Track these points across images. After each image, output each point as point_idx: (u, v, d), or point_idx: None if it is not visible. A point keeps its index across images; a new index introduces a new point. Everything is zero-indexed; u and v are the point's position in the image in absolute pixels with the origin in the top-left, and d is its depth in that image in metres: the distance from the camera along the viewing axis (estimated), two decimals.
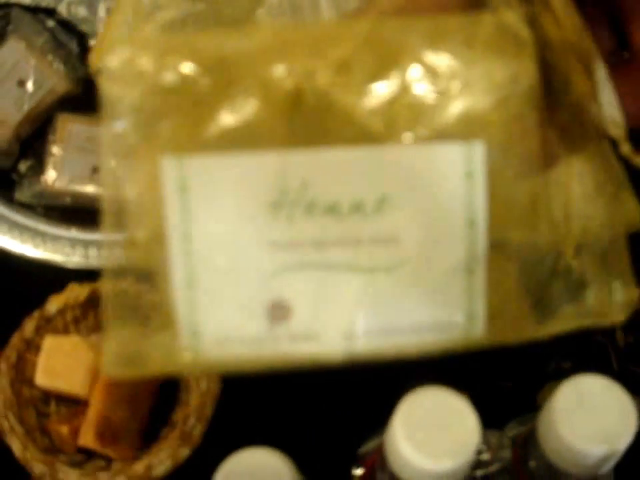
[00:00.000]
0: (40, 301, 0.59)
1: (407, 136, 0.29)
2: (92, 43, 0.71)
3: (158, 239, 0.30)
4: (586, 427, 0.38)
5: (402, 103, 0.29)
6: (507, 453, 0.42)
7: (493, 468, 0.42)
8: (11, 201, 0.66)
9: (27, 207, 0.66)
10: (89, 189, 0.64)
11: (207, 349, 0.31)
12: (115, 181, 0.29)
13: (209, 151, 0.29)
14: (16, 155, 0.68)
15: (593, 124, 0.29)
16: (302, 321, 0.31)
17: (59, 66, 0.68)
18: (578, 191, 0.31)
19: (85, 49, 0.70)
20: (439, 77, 0.29)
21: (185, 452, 0.52)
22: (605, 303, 0.32)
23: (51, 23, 0.70)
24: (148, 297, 0.31)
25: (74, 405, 0.57)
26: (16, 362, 0.55)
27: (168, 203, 0.29)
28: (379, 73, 0.29)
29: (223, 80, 0.29)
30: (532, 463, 0.45)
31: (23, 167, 0.69)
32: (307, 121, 0.29)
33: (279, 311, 0.31)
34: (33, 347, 0.56)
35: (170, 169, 0.29)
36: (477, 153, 0.30)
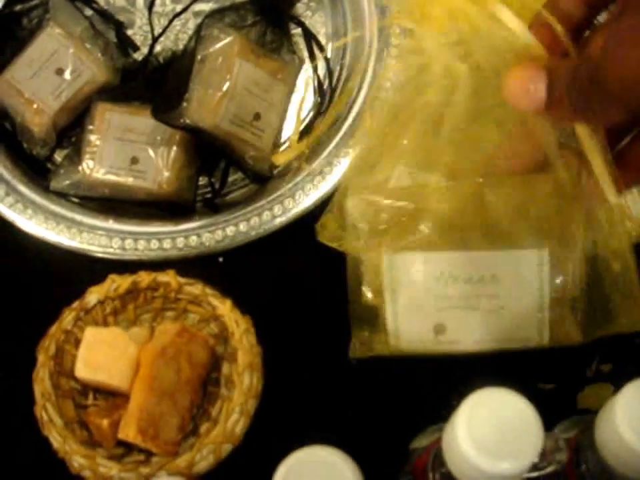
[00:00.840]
0: (75, 292, 0.58)
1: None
2: (129, 32, 0.70)
3: (380, 292, 0.58)
4: None
5: None
6: (562, 456, 0.41)
7: (547, 470, 0.41)
8: (46, 191, 0.65)
9: (62, 197, 0.65)
10: (127, 179, 0.64)
11: (402, 344, 0.58)
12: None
13: (406, 251, 0.56)
14: (53, 144, 0.67)
15: None
16: (451, 334, 0.58)
17: (97, 55, 0.67)
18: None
19: (122, 39, 0.69)
20: None
21: (227, 448, 0.51)
22: None
23: (89, 12, 0.69)
24: (375, 315, 0.59)
25: (112, 398, 0.56)
26: (55, 353, 0.55)
27: (384, 275, 0.57)
28: None
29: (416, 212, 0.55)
30: (584, 467, 0.45)
31: (59, 156, 0.68)
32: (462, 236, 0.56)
33: (440, 328, 0.58)
34: (71, 338, 0.56)
35: (386, 258, 0.57)
36: (545, 254, 0.56)
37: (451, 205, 0.54)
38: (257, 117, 0.64)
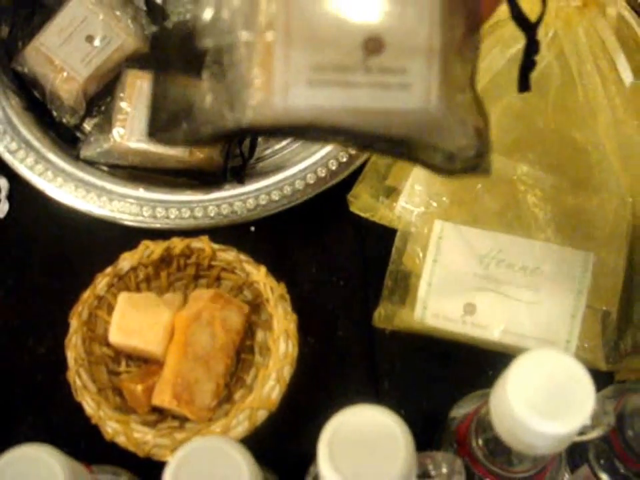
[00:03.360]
0: (107, 260, 0.58)
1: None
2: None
3: (421, 256, 0.58)
4: None
5: None
6: (609, 419, 0.40)
7: (593, 434, 0.40)
8: (76, 159, 0.65)
9: (92, 165, 0.65)
10: (158, 147, 0.63)
11: (427, 317, 0.58)
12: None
13: (460, 222, 0.58)
14: (83, 112, 0.67)
15: None
16: (480, 317, 0.58)
17: (127, 22, 0.66)
18: None
19: (152, 6, 0.68)
20: None
21: (263, 414, 0.50)
22: None
23: None
24: (408, 285, 0.59)
25: (144, 365, 0.55)
26: (87, 319, 0.54)
27: (431, 241, 0.58)
28: None
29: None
30: (630, 433, 0.44)
31: (88, 124, 0.68)
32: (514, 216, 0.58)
33: (470, 308, 0.58)
34: (104, 304, 0.55)
35: (438, 225, 0.58)
36: (590, 257, 0.57)
37: (531, 194, 0.57)
38: None
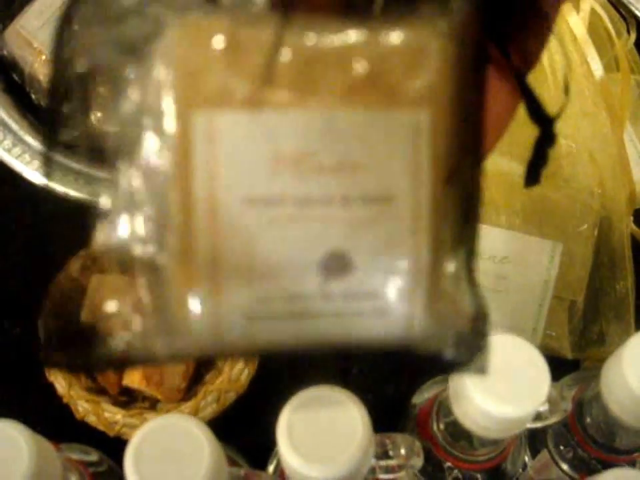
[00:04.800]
0: (82, 242, 0.58)
1: None
2: None
3: None
4: None
5: None
6: (566, 405, 0.41)
7: (551, 420, 0.41)
8: (54, 142, 0.65)
9: (70, 148, 0.65)
10: None
11: None
12: None
13: None
14: (61, 96, 0.67)
15: None
16: None
17: None
18: None
19: None
20: None
21: (231, 396, 0.51)
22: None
23: None
24: None
25: None
26: (60, 299, 0.54)
27: None
28: None
29: None
30: (588, 419, 0.45)
31: (67, 108, 0.68)
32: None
33: None
34: (78, 286, 0.56)
35: None
36: (559, 247, 0.58)
37: (500, 184, 0.58)
38: None
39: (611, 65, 0.64)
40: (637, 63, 0.67)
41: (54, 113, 0.32)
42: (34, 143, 0.65)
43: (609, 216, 0.59)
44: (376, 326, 0.26)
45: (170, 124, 0.24)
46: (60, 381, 0.52)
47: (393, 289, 0.26)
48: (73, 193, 0.63)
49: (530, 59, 0.28)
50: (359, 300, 0.26)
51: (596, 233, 0.59)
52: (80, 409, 0.51)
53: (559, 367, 0.48)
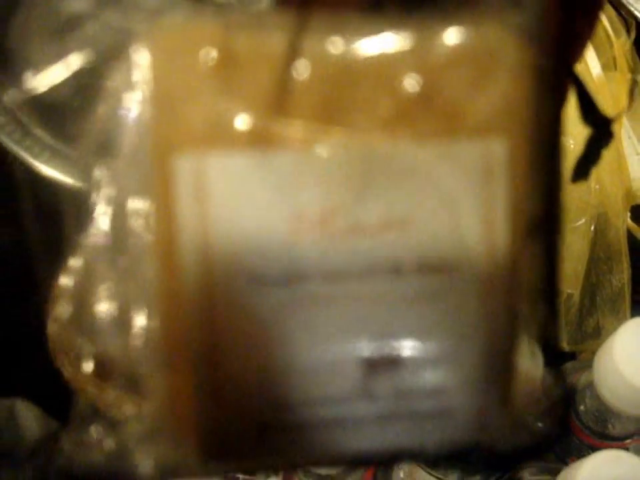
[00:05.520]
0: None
1: None
2: None
3: None
4: None
5: None
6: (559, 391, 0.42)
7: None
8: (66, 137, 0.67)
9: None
10: None
11: None
12: None
13: None
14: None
15: None
16: None
17: None
18: None
19: None
20: None
21: None
22: None
23: None
24: None
25: None
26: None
27: None
28: None
29: None
30: (582, 407, 0.46)
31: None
32: None
33: None
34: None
35: None
36: None
37: None
38: None
39: (609, 65, 0.65)
40: (636, 63, 0.68)
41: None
42: (43, 135, 0.66)
43: (606, 212, 0.60)
44: (438, 429, 0.20)
45: (145, 175, 0.18)
46: (67, 366, 0.53)
47: (459, 383, 0.20)
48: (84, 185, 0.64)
49: (579, 54, 0.24)
50: (414, 399, 0.20)
51: (593, 228, 0.60)
52: (87, 393, 0.52)
53: (556, 361, 0.50)
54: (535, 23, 0.18)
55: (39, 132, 0.67)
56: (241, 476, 0.39)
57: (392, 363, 0.19)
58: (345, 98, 0.17)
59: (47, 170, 0.65)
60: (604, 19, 0.59)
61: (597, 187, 0.60)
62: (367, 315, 0.18)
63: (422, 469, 0.47)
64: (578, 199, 0.59)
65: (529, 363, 0.21)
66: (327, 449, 0.19)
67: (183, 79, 0.17)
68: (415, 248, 0.18)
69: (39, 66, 0.18)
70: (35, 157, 0.66)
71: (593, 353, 0.61)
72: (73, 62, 0.18)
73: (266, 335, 0.18)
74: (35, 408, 0.45)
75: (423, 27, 0.17)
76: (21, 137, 0.66)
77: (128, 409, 0.21)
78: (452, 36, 0.17)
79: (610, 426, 0.44)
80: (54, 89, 0.19)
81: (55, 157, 0.65)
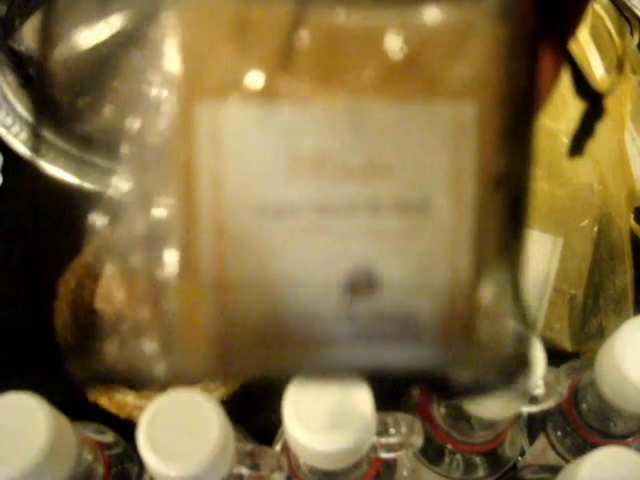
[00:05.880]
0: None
1: None
2: None
3: None
4: None
5: None
6: (561, 390, 0.43)
7: (547, 404, 0.43)
8: (70, 135, 0.67)
9: (85, 141, 0.67)
10: None
11: None
12: None
13: None
14: (77, 90, 0.69)
15: None
16: None
17: None
18: None
19: None
20: None
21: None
22: None
23: None
24: None
25: None
26: (75, 287, 0.56)
27: None
28: None
29: None
30: (584, 406, 0.46)
31: (81, 102, 0.70)
32: None
33: None
34: (92, 274, 0.57)
35: None
36: (559, 241, 0.59)
37: None
38: None
39: (613, 67, 0.66)
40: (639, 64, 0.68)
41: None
42: (49, 135, 0.66)
43: (609, 212, 0.60)
44: (406, 351, 0.23)
45: (170, 118, 0.21)
46: (74, 364, 0.54)
47: (428, 310, 0.22)
48: (88, 185, 0.65)
49: (571, 29, 0.25)
50: (387, 322, 0.22)
51: (596, 228, 0.60)
52: (92, 390, 0.53)
53: (559, 359, 0.50)
54: (509, 2, 0.21)
55: (45, 133, 0.67)
56: (245, 471, 0.39)
57: (370, 288, 0.22)
58: (340, 61, 0.21)
59: (54, 170, 0.66)
60: (607, 20, 0.60)
61: (600, 187, 0.60)
62: (350, 245, 0.22)
63: (425, 466, 0.47)
64: (582, 200, 0.59)
65: (494, 302, 0.23)
66: (315, 362, 0.23)
67: (205, 39, 0.21)
68: (392, 191, 0.21)
69: (85, 24, 0.22)
70: (42, 157, 0.66)
71: (596, 352, 0.62)
72: (114, 22, 0.21)
73: (265, 260, 0.21)
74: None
75: (412, 5, 0.21)
76: (27, 138, 0.67)
77: (147, 320, 0.23)
78: (433, 12, 0.21)
79: (612, 424, 0.45)
80: (95, 47, 0.23)
81: (60, 156, 0.66)
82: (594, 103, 0.26)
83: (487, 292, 0.23)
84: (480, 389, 0.24)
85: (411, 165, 0.21)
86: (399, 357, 0.23)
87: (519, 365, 0.24)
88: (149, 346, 0.23)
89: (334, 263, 0.22)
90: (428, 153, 0.21)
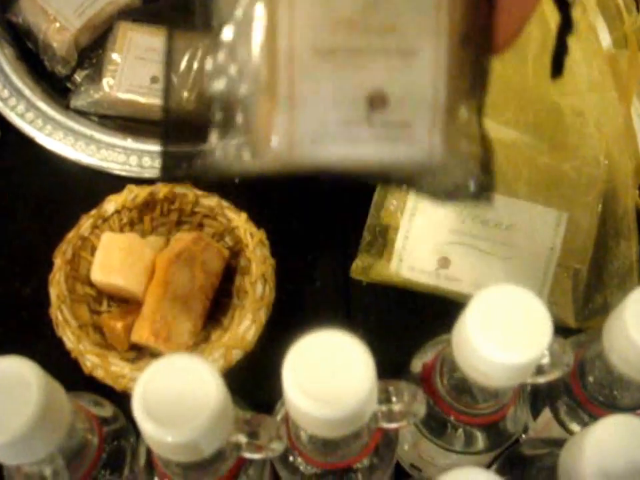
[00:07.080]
0: (91, 206, 0.59)
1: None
2: None
3: (399, 210, 0.63)
4: None
5: None
6: (569, 359, 0.41)
7: (553, 375, 0.42)
8: (66, 108, 0.66)
9: (82, 115, 0.66)
10: (147, 99, 0.64)
11: (403, 269, 0.60)
12: None
13: None
14: (74, 63, 0.68)
15: None
16: (454, 271, 0.61)
17: None
18: None
19: None
20: None
21: (237, 353, 0.52)
22: None
23: None
24: (385, 238, 0.61)
25: (125, 305, 0.57)
26: (71, 258, 0.55)
27: (409, 195, 0.63)
28: None
29: None
30: (590, 378, 0.45)
31: (79, 75, 0.69)
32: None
33: (444, 262, 0.61)
34: (88, 244, 0.57)
35: None
36: (564, 216, 0.59)
37: (508, 153, 0.60)
38: None
39: (620, 42, 0.65)
40: None
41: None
42: (47, 108, 0.65)
43: (615, 187, 0.59)
44: (406, 150, 0.33)
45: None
46: (69, 336, 0.53)
47: (419, 121, 0.33)
48: (84, 158, 0.64)
49: None
50: (394, 128, 0.33)
51: (601, 203, 0.59)
52: (88, 363, 0.52)
53: (563, 336, 0.49)
54: None
55: (42, 105, 0.66)
56: (243, 439, 0.38)
57: (382, 103, 0.33)
58: None
59: (51, 143, 0.65)
60: None
61: (606, 162, 0.59)
62: (370, 75, 0.32)
63: (426, 437, 0.46)
64: (587, 174, 0.58)
65: (465, 127, 0.34)
66: (344, 158, 0.33)
67: None
68: (396, 41, 0.32)
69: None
70: (39, 129, 0.65)
71: (601, 329, 0.61)
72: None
73: (318, 83, 0.32)
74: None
75: None
76: (25, 110, 0.66)
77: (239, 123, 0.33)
78: None
79: (619, 396, 0.44)
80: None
81: (58, 129, 0.65)
82: (564, 13, 0.33)
83: (458, 117, 0.34)
84: (455, 194, 0.35)
85: (408, 24, 0.32)
86: (402, 156, 0.34)
87: (484, 178, 0.35)
88: (239, 140, 0.33)
89: (360, 86, 0.32)
90: (418, 17, 0.32)
